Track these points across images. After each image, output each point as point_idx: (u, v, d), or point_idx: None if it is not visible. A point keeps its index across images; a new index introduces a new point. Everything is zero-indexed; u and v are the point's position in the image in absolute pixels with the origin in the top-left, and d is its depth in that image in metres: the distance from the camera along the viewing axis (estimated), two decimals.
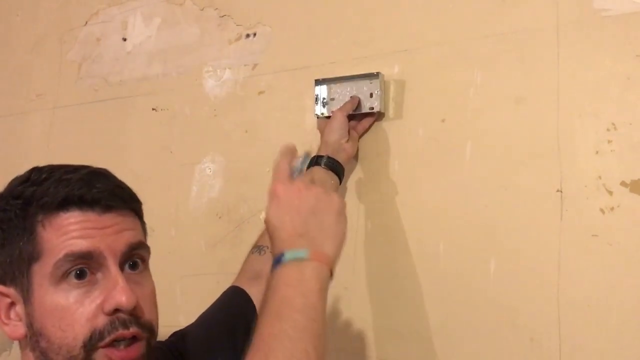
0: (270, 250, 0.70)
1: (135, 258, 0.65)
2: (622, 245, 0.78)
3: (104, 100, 1.31)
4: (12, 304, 0.64)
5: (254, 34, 1.13)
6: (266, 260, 0.87)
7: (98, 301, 0.61)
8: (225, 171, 1.13)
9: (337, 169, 0.93)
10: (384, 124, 0.98)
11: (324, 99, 1.00)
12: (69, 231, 0.62)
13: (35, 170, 0.67)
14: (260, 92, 1.11)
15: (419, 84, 0.95)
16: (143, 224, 0.70)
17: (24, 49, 1.47)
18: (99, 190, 0.64)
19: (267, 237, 0.90)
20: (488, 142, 0.89)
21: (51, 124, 1.38)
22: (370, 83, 0.96)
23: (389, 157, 0.96)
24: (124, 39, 1.30)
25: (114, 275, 0.62)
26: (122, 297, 0.61)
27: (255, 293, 0.84)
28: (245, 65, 1.13)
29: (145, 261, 0.67)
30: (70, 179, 0.64)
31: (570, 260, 0.81)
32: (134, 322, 0.62)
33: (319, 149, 0.96)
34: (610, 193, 0.80)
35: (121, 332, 0.61)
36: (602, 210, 0.80)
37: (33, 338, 0.63)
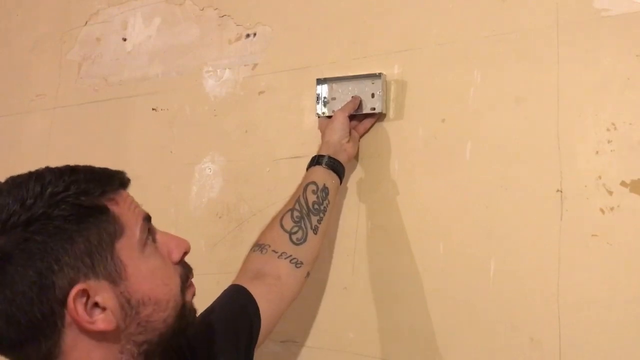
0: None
1: None
2: (622, 245, 0.78)
3: (104, 100, 1.31)
4: (89, 299, 0.62)
5: (254, 34, 1.13)
6: (268, 259, 0.88)
7: (165, 254, 0.68)
8: (225, 171, 1.13)
9: (337, 169, 0.94)
10: (385, 123, 0.98)
11: (324, 98, 1.00)
12: (129, 203, 0.68)
13: (43, 170, 0.70)
14: (260, 92, 1.11)
15: (419, 84, 0.95)
16: None
17: (24, 49, 1.47)
18: (123, 174, 0.70)
19: (268, 236, 0.90)
20: (488, 142, 0.89)
21: (51, 124, 1.38)
22: (372, 83, 0.96)
23: (389, 157, 0.96)
24: (124, 39, 1.30)
25: (160, 232, 0.69)
26: (182, 242, 0.69)
27: (257, 292, 0.84)
28: (245, 65, 1.13)
29: None
30: (100, 169, 0.69)
31: (570, 260, 0.81)
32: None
33: (320, 149, 0.96)
34: (610, 193, 0.80)
35: (191, 270, 0.70)
36: (602, 210, 0.80)
37: (130, 315, 0.64)
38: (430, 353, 0.89)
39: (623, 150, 0.80)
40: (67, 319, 0.62)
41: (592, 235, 0.80)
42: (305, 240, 0.89)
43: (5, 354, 0.64)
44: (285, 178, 1.05)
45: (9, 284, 0.61)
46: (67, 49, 1.39)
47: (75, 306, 0.61)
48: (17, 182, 0.66)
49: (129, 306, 0.64)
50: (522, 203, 0.85)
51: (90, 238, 0.63)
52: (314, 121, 1.03)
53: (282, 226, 0.90)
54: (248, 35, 1.14)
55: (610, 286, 0.78)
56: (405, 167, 0.95)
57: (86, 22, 1.37)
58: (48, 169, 0.69)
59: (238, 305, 0.84)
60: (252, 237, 1.06)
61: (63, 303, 0.61)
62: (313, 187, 0.92)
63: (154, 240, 0.68)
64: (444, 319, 0.89)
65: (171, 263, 0.68)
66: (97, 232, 0.63)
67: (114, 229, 0.64)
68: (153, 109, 1.23)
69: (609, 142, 0.81)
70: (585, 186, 0.81)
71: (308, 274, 0.90)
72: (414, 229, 0.93)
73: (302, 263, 0.89)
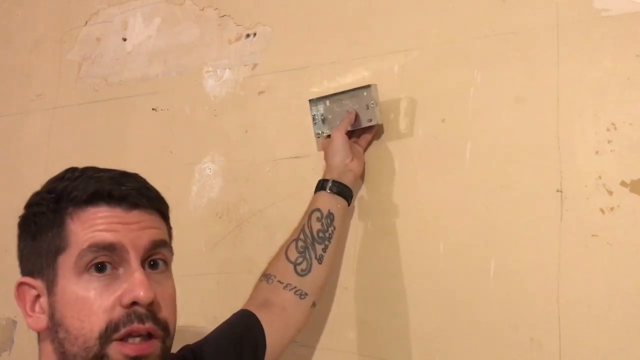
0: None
1: (156, 257, 0.67)
2: (622, 245, 0.78)
3: (104, 100, 1.31)
4: (38, 297, 0.66)
5: (254, 34, 1.13)
6: (274, 290, 0.88)
7: (117, 293, 0.62)
8: (225, 171, 1.13)
9: (343, 193, 0.92)
10: (384, 122, 0.97)
11: (322, 115, 0.99)
12: (95, 224, 0.64)
13: (70, 169, 0.70)
14: (260, 92, 1.11)
15: (419, 84, 0.95)
16: (169, 227, 0.73)
17: (24, 49, 1.47)
18: (127, 188, 0.67)
19: (274, 265, 0.90)
20: (488, 142, 0.89)
21: (51, 124, 1.38)
22: (365, 95, 0.94)
23: (389, 157, 0.96)
24: (124, 39, 1.30)
25: (134, 269, 0.63)
26: (140, 290, 0.62)
27: (264, 319, 0.85)
28: (245, 65, 1.13)
29: (167, 262, 0.69)
30: (101, 177, 0.67)
31: (570, 260, 0.81)
32: (151, 317, 0.63)
33: (324, 172, 0.95)
34: (610, 193, 0.80)
35: (136, 325, 0.62)
36: (602, 210, 0.80)
37: (53, 329, 0.64)
38: (430, 353, 0.89)
39: (623, 150, 0.80)
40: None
41: (592, 235, 0.80)
42: (309, 270, 0.88)
43: None
44: (285, 178, 1.05)
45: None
46: (67, 49, 1.39)
47: (21, 293, 0.67)
48: (62, 172, 0.71)
49: (52, 320, 0.65)
50: (522, 203, 0.85)
51: (43, 242, 0.66)
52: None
53: (287, 257, 0.89)
54: (248, 35, 1.14)
55: (610, 286, 0.78)
56: (405, 167, 0.95)
57: (86, 22, 1.37)
58: (67, 169, 0.71)
59: (244, 325, 0.85)
60: (252, 237, 1.06)
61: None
62: (317, 214, 0.91)
63: (117, 276, 0.63)
64: (444, 319, 0.89)
65: (110, 305, 0.62)
66: (48, 241, 0.66)
67: (59, 243, 0.65)
68: (153, 109, 1.23)
69: (609, 142, 0.81)
70: (585, 186, 0.81)
71: (314, 303, 0.90)
72: (414, 229, 0.93)
73: (306, 294, 0.88)
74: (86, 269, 0.63)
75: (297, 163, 1.04)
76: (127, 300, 0.62)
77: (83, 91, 1.34)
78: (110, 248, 0.63)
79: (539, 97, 0.86)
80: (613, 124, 0.81)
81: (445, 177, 0.91)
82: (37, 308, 0.66)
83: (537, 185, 0.84)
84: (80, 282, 0.63)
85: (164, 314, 0.65)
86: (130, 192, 0.66)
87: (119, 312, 0.62)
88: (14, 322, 1.31)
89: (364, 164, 0.96)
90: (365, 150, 0.97)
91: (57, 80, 1.39)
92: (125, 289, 0.62)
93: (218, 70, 1.16)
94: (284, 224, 0.98)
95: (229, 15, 1.17)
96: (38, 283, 0.66)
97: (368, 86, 0.94)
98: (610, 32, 0.82)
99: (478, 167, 0.89)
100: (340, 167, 0.93)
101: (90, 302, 0.62)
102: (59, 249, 0.64)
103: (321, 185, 0.92)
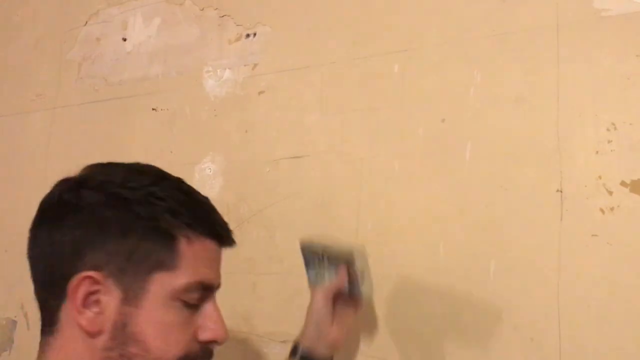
0: None
1: None
2: (622, 245, 0.78)
3: (104, 100, 1.31)
4: (95, 293, 0.61)
5: (254, 34, 1.13)
6: None
7: (196, 325, 0.64)
8: (225, 171, 1.13)
9: None
10: (384, 122, 0.97)
11: (315, 265, 0.89)
12: (205, 258, 0.65)
13: (166, 175, 0.69)
14: (260, 92, 1.11)
15: (419, 84, 0.95)
16: None
17: (24, 49, 1.47)
18: (229, 230, 0.69)
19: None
20: (488, 142, 0.89)
21: (51, 124, 1.38)
22: (354, 258, 0.86)
23: (389, 157, 0.96)
24: (124, 39, 1.30)
25: (214, 306, 0.66)
26: (220, 331, 0.65)
27: None
28: (245, 65, 1.13)
29: None
30: (213, 209, 0.68)
31: (570, 260, 0.81)
32: (212, 355, 0.66)
33: (301, 332, 0.86)
34: (610, 193, 0.80)
35: None
36: (602, 210, 0.80)
37: (119, 339, 0.61)
38: (430, 353, 0.89)
39: (623, 150, 0.80)
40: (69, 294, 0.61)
41: (592, 235, 0.80)
42: None
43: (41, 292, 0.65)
44: (285, 178, 1.05)
45: (60, 230, 0.63)
46: (67, 49, 1.39)
47: (78, 285, 0.61)
48: (141, 167, 0.68)
49: (122, 330, 0.61)
50: (522, 203, 0.85)
51: (140, 248, 0.62)
52: (314, 121, 1.03)
53: None
54: (248, 35, 1.14)
55: (610, 286, 0.78)
56: (405, 167, 0.95)
57: (86, 22, 1.37)
58: (179, 179, 0.69)
59: None
60: (252, 237, 1.06)
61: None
62: None
63: (196, 308, 0.64)
64: (444, 319, 0.89)
65: (190, 336, 0.63)
66: (149, 249, 0.62)
67: (163, 259, 0.62)
68: (153, 109, 1.23)
69: (609, 142, 0.81)
70: (585, 186, 0.81)
71: None
72: (414, 229, 0.93)
73: None
74: (179, 297, 0.63)
75: (297, 163, 1.04)
76: (206, 337, 0.64)
77: (83, 91, 1.34)
78: (210, 288, 0.66)
79: (539, 97, 0.86)
80: (613, 124, 0.81)
81: (445, 177, 0.91)
82: (92, 305, 0.61)
83: (537, 185, 0.84)
84: (172, 307, 0.62)
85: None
86: (230, 232, 0.69)
87: (196, 346, 0.64)
88: (14, 322, 1.31)
89: (347, 332, 0.87)
90: (350, 318, 0.87)
91: (57, 80, 1.39)
92: (205, 325, 0.64)
93: (218, 70, 1.16)
94: (284, 224, 0.98)
95: (229, 15, 1.17)
96: (109, 283, 0.61)
97: (357, 251, 0.86)
98: (610, 32, 0.82)
99: (478, 167, 0.89)
100: (314, 332, 0.83)
101: (178, 330, 0.63)
102: (162, 265, 0.62)
103: (292, 351, 0.85)
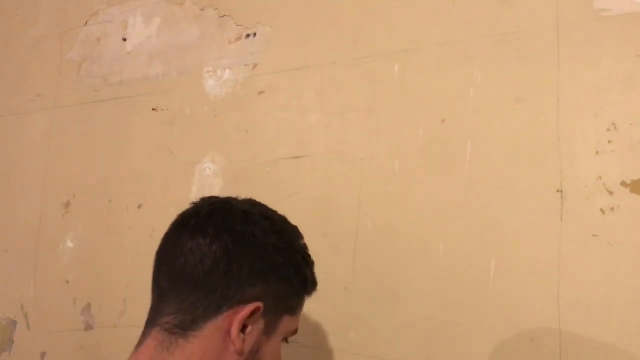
0: None
1: None
2: (622, 245, 0.78)
3: (104, 100, 1.31)
4: (250, 320, 0.71)
5: (254, 34, 1.13)
6: None
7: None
8: (225, 171, 1.13)
9: None
10: (384, 122, 0.97)
11: None
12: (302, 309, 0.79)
13: (304, 249, 0.79)
14: (260, 92, 1.11)
15: (419, 84, 0.95)
16: None
17: (24, 49, 1.47)
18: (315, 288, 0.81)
19: None
20: (488, 142, 0.89)
21: (51, 124, 1.38)
22: None
23: (389, 157, 0.96)
24: (124, 39, 1.30)
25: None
26: None
27: None
28: (245, 65, 1.13)
29: None
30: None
31: (570, 260, 0.81)
32: None
33: None
34: (610, 193, 0.80)
35: None
36: (602, 210, 0.80)
37: (249, 359, 0.72)
38: (430, 353, 0.89)
39: (623, 150, 0.80)
40: (229, 312, 0.70)
41: (592, 235, 0.80)
42: None
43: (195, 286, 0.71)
44: (285, 178, 1.05)
45: (236, 254, 0.72)
46: (67, 49, 1.39)
47: (244, 311, 0.70)
48: (283, 219, 0.80)
49: (254, 354, 0.72)
50: (522, 203, 0.85)
51: (288, 293, 0.75)
52: (314, 121, 1.03)
53: None
54: (248, 35, 1.14)
55: (610, 286, 0.78)
56: (405, 167, 0.95)
57: (86, 22, 1.37)
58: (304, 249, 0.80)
59: None
60: None
61: (244, 300, 0.70)
62: None
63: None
64: (444, 319, 0.89)
65: None
66: (289, 295, 0.76)
67: (294, 306, 0.76)
68: (153, 109, 1.23)
69: (609, 142, 0.81)
70: (585, 186, 0.81)
71: None
72: (414, 229, 0.93)
73: None
74: (282, 336, 0.76)
75: (297, 163, 1.04)
76: None
77: (83, 91, 1.34)
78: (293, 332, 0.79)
79: (539, 97, 0.86)
80: (613, 124, 0.81)
81: (445, 177, 0.91)
82: (246, 330, 0.71)
83: (537, 185, 0.84)
84: (279, 343, 0.76)
85: None
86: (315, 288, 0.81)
87: None
88: (14, 322, 1.31)
89: None
90: None
91: (57, 80, 1.39)
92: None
93: (218, 70, 1.16)
94: None
95: (229, 15, 1.17)
96: (263, 316, 0.72)
97: None
98: (610, 32, 0.82)
99: (478, 167, 0.89)
100: None
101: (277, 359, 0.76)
102: (291, 310, 0.76)
103: None
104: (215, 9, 1.19)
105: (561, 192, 0.83)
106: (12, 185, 1.39)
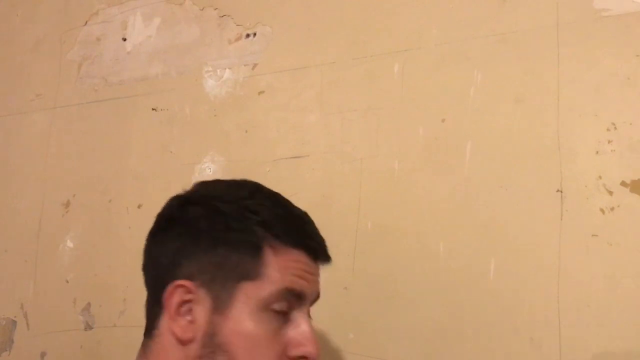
0: None
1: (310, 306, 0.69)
2: (622, 245, 0.78)
3: (104, 100, 1.31)
4: (188, 303, 0.64)
5: (254, 34, 1.13)
6: None
7: (286, 340, 0.63)
8: (225, 171, 1.12)
9: None
10: (384, 122, 0.97)
11: None
12: (293, 268, 0.65)
13: (258, 189, 0.71)
14: (260, 92, 1.11)
15: (419, 84, 0.95)
16: None
17: (24, 49, 1.47)
18: (320, 241, 0.70)
19: None
20: (488, 142, 0.89)
21: (51, 124, 1.38)
22: None
23: (389, 157, 0.96)
24: (124, 39, 1.30)
25: (306, 320, 0.65)
26: (313, 348, 0.64)
27: None
28: (245, 65, 1.13)
29: None
30: (303, 221, 0.70)
31: (570, 260, 0.81)
32: None
33: None
34: (611, 193, 0.80)
35: None
36: (602, 210, 0.80)
37: (207, 348, 0.63)
38: (430, 353, 0.89)
39: (623, 150, 0.80)
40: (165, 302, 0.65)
41: (592, 235, 0.80)
42: None
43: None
44: (285, 178, 1.05)
45: (163, 243, 0.68)
46: (67, 49, 1.39)
47: (172, 293, 0.64)
48: (241, 182, 0.71)
49: (211, 340, 0.63)
50: (522, 203, 0.85)
51: (229, 259, 0.64)
52: (314, 121, 1.03)
53: None
54: (248, 35, 1.14)
55: (610, 286, 0.78)
56: (405, 167, 0.95)
57: (86, 22, 1.37)
58: (275, 193, 0.72)
59: None
60: None
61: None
62: None
63: (287, 320, 0.64)
64: (444, 319, 0.89)
65: (279, 351, 0.63)
66: (237, 260, 0.64)
67: (249, 269, 0.64)
68: (153, 109, 1.23)
69: (609, 142, 0.81)
70: (585, 186, 0.81)
71: None
72: (414, 229, 0.93)
73: None
74: (269, 307, 0.63)
75: (297, 163, 1.04)
76: (297, 353, 0.63)
77: (83, 91, 1.34)
78: (299, 296, 0.65)
79: (539, 97, 0.86)
80: (613, 124, 0.81)
81: (445, 177, 0.91)
82: (184, 313, 0.64)
83: (537, 185, 0.84)
84: (260, 319, 0.62)
85: None
86: (322, 246, 0.70)
87: None
88: (14, 322, 1.31)
89: None
90: None
91: (57, 80, 1.39)
92: (295, 339, 0.64)
93: (218, 70, 1.16)
94: None
95: (229, 15, 1.17)
96: (201, 292, 0.64)
97: None
98: (610, 32, 0.82)
99: (478, 167, 0.89)
100: None
101: (264, 343, 0.62)
102: (248, 275, 0.63)
103: None
104: (215, 9, 1.19)
105: (561, 192, 0.83)
106: (12, 185, 1.38)
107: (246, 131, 1.11)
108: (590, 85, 0.83)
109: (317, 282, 0.69)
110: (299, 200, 1.01)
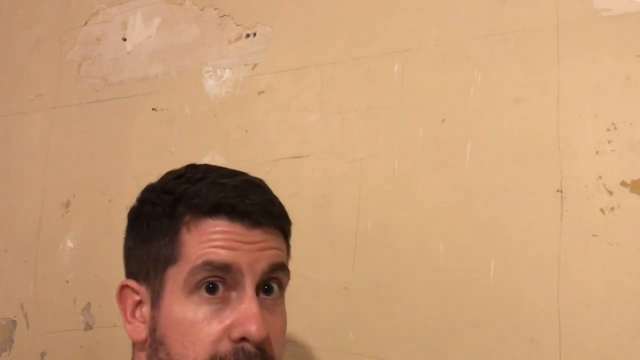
0: None
1: (272, 282, 0.61)
2: (622, 245, 0.78)
3: (104, 100, 1.31)
4: (140, 303, 0.61)
5: (254, 34, 1.13)
6: None
7: (227, 322, 0.57)
8: None
9: None
10: (384, 122, 0.97)
11: None
12: (212, 239, 0.58)
13: (192, 167, 0.65)
14: (260, 92, 1.11)
15: (419, 84, 0.95)
16: (288, 246, 0.66)
17: (24, 49, 1.47)
18: (251, 202, 0.60)
19: None
20: (488, 142, 0.89)
21: (51, 124, 1.38)
22: None
23: (389, 157, 0.96)
24: (124, 39, 1.30)
25: (248, 297, 0.57)
26: (252, 325, 0.56)
27: None
28: (245, 65, 1.13)
29: (282, 287, 0.63)
30: (225, 184, 0.60)
31: (570, 260, 0.81)
32: (259, 356, 0.57)
33: None
34: (611, 193, 0.80)
35: None
36: (602, 210, 0.80)
37: (153, 345, 0.59)
38: (430, 353, 0.89)
39: (623, 150, 0.80)
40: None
41: (592, 235, 0.80)
42: None
43: None
44: (285, 178, 1.05)
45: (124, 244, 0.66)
46: (67, 49, 1.39)
47: (123, 296, 0.62)
48: (182, 167, 0.67)
49: (152, 336, 0.59)
50: (522, 203, 0.85)
51: (153, 248, 0.61)
52: (314, 121, 1.03)
53: None
54: (248, 35, 1.14)
55: (610, 286, 0.78)
56: (405, 167, 0.95)
57: (86, 22, 1.37)
58: (187, 166, 0.65)
59: None
60: None
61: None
62: None
63: (228, 300, 0.57)
64: (444, 319, 0.89)
65: (217, 336, 0.56)
66: (160, 246, 0.60)
67: (170, 253, 0.59)
68: (153, 109, 1.23)
69: (609, 142, 0.81)
70: (585, 186, 0.81)
71: None
72: (414, 229, 0.93)
73: None
74: (197, 288, 0.57)
75: (297, 163, 1.04)
76: (237, 334, 0.56)
77: (83, 91, 1.34)
78: (225, 268, 0.57)
79: (539, 97, 0.86)
80: (613, 124, 0.81)
81: (445, 177, 0.91)
82: (137, 315, 0.61)
83: (537, 185, 0.84)
84: (189, 303, 0.57)
85: (274, 351, 0.58)
86: (255, 207, 0.60)
87: (226, 346, 0.56)
88: (14, 322, 1.31)
89: None
90: None
91: (57, 80, 1.39)
92: (236, 320, 0.56)
93: (218, 70, 1.16)
94: None
95: (229, 15, 1.17)
96: (142, 290, 0.61)
97: None
98: (610, 32, 0.82)
99: (478, 167, 0.89)
100: None
101: (198, 328, 0.56)
102: (170, 259, 0.58)
103: None
104: (215, 9, 1.18)
105: (561, 192, 0.83)
106: (12, 185, 1.38)
107: (246, 131, 1.11)
108: (590, 85, 0.83)
109: (260, 251, 0.59)
110: (299, 200, 1.01)
